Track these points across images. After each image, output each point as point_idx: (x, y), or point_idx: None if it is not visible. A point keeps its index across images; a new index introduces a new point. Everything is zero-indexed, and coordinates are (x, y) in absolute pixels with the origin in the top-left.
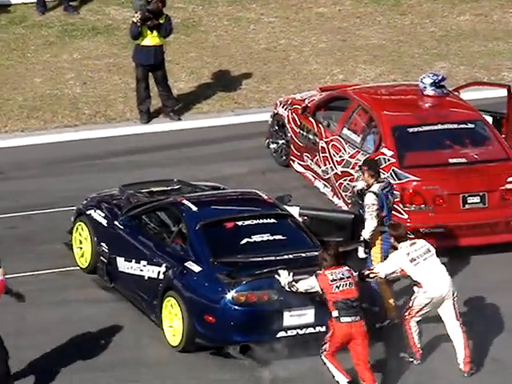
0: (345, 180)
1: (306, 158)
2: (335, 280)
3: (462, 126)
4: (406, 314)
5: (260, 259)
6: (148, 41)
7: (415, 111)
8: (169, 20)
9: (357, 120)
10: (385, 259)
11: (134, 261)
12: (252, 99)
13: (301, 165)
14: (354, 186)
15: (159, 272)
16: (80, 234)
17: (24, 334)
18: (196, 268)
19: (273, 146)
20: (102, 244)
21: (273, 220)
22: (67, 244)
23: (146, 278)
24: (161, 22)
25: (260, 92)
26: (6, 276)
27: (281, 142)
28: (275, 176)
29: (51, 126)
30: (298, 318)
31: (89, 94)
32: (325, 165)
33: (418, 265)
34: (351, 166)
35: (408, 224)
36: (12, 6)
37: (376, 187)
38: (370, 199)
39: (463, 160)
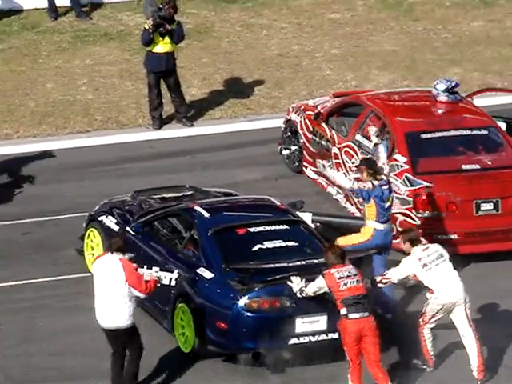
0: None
1: (318, 164)
2: (342, 278)
3: (475, 132)
4: (420, 320)
5: (272, 265)
6: (160, 47)
7: (428, 117)
8: (180, 26)
9: (370, 126)
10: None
11: (145, 267)
12: (264, 105)
13: (313, 171)
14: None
15: (171, 278)
16: (92, 241)
17: (35, 341)
18: (208, 274)
19: (285, 152)
20: None
21: (285, 226)
22: (79, 250)
23: (158, 284)
24: (173, 28)
25: (272, 98)
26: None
27: (293, 148)
28: (288, 182)
29: (63, 132)
30: (310, 325)
31: (101, 99)
32: (338, 171)
33: (430, 270)
34: None
35: (421, 231)
36: (24, 11)
37: (376, 182)
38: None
39: (476, 166)
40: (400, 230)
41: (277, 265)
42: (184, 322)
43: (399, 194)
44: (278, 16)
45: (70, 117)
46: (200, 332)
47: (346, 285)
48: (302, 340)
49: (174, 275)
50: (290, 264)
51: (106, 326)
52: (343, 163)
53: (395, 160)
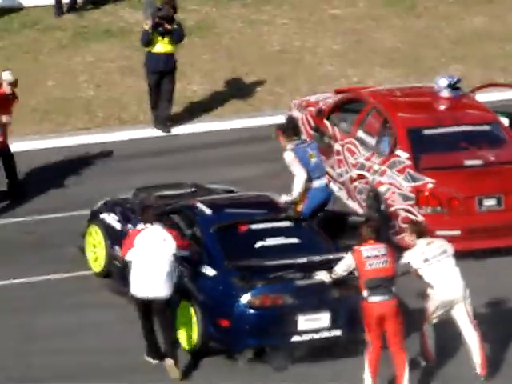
0: (359, 183)
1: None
2: (369, 257)
3: (478, 127)
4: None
5: (274, 263)
6: (159, 47)
7: (430, 113)
8: (181, 26)
9: (372, 122)
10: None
11: None
12: (266, 101)
13: None
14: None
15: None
16: (94, 238)
17: (36, 339)
18: (210, 272)
19: None
20: (116, 248)
21: (287, 223)
22: (81, 248)
23: None
24: (173, 27)
25: (274, 94)
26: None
27: None
28: (289, 179)
29: (64, 129)
30: (312, 322)
31: (102, 96)
32: (339, 167)
33: (431, 266)
34: (366, 169)
35: None
36: (25, 9)
37: (290, 146)
38: (288, 157)
39: (479, 162)
40: (405, 223)
41: (279, 262)
42: (186, 319)
43: (401, 189)
44: (279, 12)
45: (72, 114)
46: (202, 329)
47: (371, 265)
48: (305, 337)
49: (176, 273)
50: (292, 261)
51: (146, 296)
52: (345, 160)
53: (397, 156)
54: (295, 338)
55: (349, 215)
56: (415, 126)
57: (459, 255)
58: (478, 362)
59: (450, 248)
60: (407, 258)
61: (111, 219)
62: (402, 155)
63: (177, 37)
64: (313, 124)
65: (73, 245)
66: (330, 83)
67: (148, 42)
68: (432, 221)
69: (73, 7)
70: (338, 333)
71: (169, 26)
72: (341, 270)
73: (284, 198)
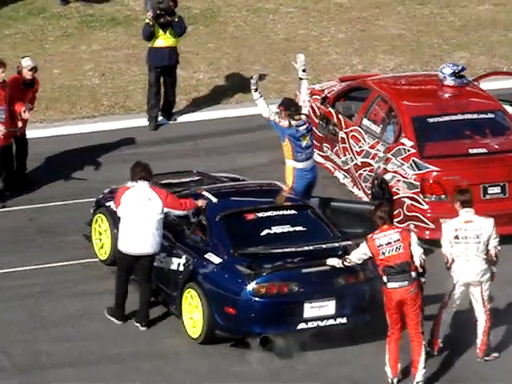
0: (364, 170)
1: (325, 148)
2: (381, 245)
3: (482, 115)
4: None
5: (280, 250)
6: (161, 42)
7: (435, 101)
8: (182, 20)
9: (376, 110)
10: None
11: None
12: (271, 90)
13: (320, 155)
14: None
15: (179, 264)
16: (100, 226)
17: (43, 326)
18: (216, 259)
19: None
20: None
21: (293, 211)
22: (87, 236)
23: (166, 269)
24: (175, 19)
25: (279, 82)
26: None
27: None
28: None
29: (70, 118)
30: (318, 310)
31: (107, 85)
32: (344, 155)
33: (457, 245)
34: (371, 157)
35: (428, 215)
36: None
37: (293, 123)
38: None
39: (483, 150)
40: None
41: (285, 250)
42: (192, 307)
43: (406, 177)
44: (284, 0)
45: (77, 102)
46: (208, 317)
47: (384, 253)
48: (311, 325)
49: (182, 260)
50: (298, 249)
51: (134, 252)
52: (350, 147)
53: (402, 144)
54: (301, 326)
55: (355, 203)
56: (420, 115)
57: None
58: (478, 343)
59: (488, 231)
60: (444, 230)
61: None
62: (407, 143)
63: (178, 30)
64: (318, 112)
65: (78, 233)
66: (334, 71)
67: (150, 34)
68: (437, 209)
69: None
70: (343, 320)
71: (170, 18)
72: (355, 258)
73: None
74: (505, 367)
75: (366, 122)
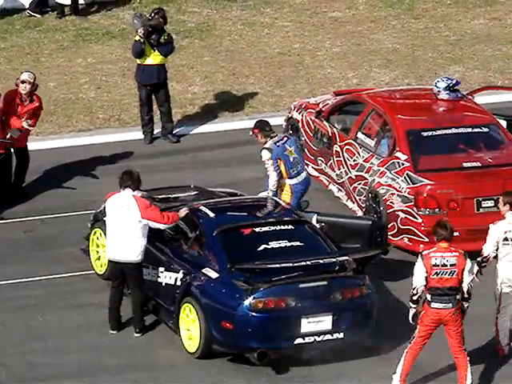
0: (359, 184)
1: (319, 162)
2: (437, 266)
3: (476, 129)
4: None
5: (277, 265)
6: (150, 60)
7: (429, 115)
8: (171, 38)
9: (371, 124)
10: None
11: (151, 267)
12: (266, 103)
13: (315, 169)
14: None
15: (176, 278)
16: (97, 239)
17: (39, 338)
18: (213, 274)
19: None
20: None
21: (290, 226)
22: (84, 250)
23: (164, 284)
24: (165, 38)
25: (274, 96)
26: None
27: None
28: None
29: (65, 131)
30: (315, 325)
31: (103, 98)
32: (339, 169)
33: (505, 246)
34: (365, 170)
35: (422, 228)
36: (27, 10)
37: (269, 143)
38: (265, 156)
39: (477, 164)
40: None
41: (282, 264)
42: (189, 321)
43: (400, 191)
44: (279, 14)
45: (73, 115)
46: (205, 332)
47: (437, 274)
48: (308, 340)
49: (180, 275)
50: (295, 264)
51: (116, 259)
52: (344, 161)
53: (396, 158)
54: (298, 341)
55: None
56: (414, 128)
57: None
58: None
59: None
60: (492, 232)
61: None
62: (401, 157)
63: (166, 50)
64: (312, 126)
65: (74, 245)
66: (329, 85)
67: (140, 52)
68: (430, 222)
69: (76, 10)
70: (340, 335)
71: (159, 36)
72: (419, 282)
73: (262, 195)
74: None
75: (360, 135)
